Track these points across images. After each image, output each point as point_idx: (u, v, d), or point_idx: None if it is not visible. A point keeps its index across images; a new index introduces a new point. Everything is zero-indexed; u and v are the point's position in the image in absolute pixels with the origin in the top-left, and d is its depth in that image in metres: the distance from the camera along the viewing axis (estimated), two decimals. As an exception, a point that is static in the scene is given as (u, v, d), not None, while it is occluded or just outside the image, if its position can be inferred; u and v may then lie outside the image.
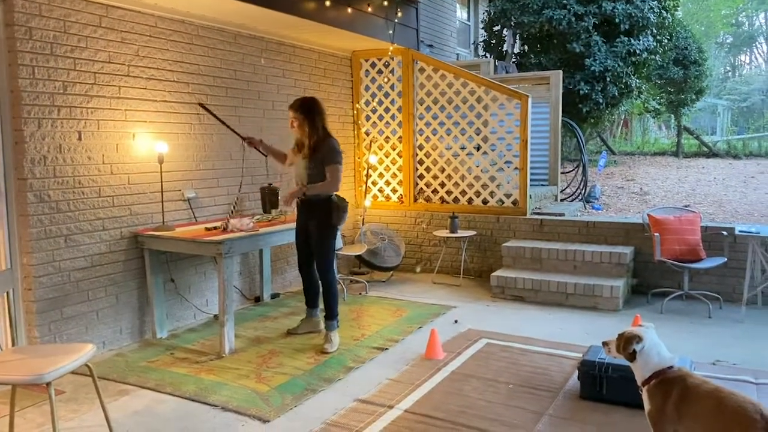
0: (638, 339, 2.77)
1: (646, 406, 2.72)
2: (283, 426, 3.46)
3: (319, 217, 4.65)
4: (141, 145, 4.90)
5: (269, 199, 5.67)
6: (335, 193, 4.68)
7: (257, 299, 6.03)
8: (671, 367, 2.71)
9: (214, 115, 5.12)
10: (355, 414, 3.57)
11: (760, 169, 13.62)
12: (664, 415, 2.61)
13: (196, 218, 5.38)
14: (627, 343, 2.79)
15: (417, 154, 7.30)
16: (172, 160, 5.14)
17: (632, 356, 2.78)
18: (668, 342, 4.80)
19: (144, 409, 3.70)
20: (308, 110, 4.60)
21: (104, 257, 4.66)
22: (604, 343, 2.97)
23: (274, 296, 6.13)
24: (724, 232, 5.75)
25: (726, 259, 5.56)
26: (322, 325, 4.86)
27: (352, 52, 7.35)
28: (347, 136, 7.40)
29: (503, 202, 6.95)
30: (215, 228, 4.84)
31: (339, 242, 6.41)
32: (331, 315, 4.72)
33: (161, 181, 4.98)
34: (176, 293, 5.25)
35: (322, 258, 4.72)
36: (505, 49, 11.95)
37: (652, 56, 11.22)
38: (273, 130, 6.21)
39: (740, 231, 5.36)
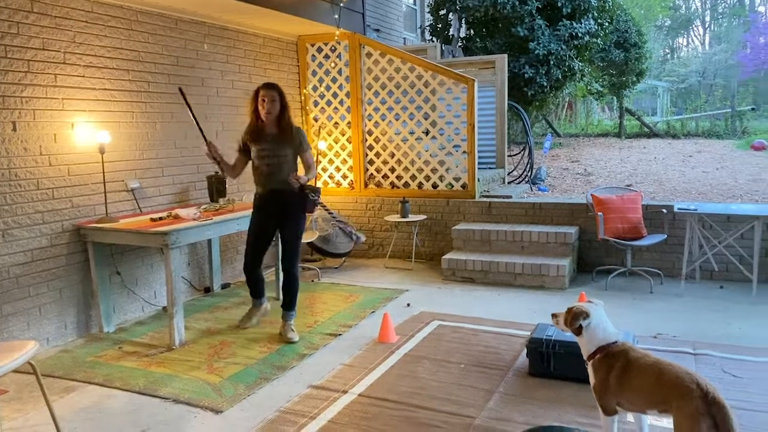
0: (585, 315, 2.85)
1: (591, 379, 2.82)
2: (237, 416, 3.44)
3: (295, 208, 4.52)
4: (81, 134, 4.74)
5: (216, 187, 5.59)
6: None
7: (207, 290, 5.95)
8: (615, 342, 2.81)
9: (188, 106, 4.69)
10: (309, 400, 3.57)
11: (698, 148, 14.14)
12: (608, 388, 2.71)
13: (141, 209, 5.26)
14: (574, 318, 2.87)
15: (366, 140, 7.29)
16: (114, 149, 5.00)
17: (579, 331, 2.87)
18: (612, 317, 4.97)
19: (92, 405, 3.62)
20: (282, 91, 4.47)
21: (45, 251, 4.51)
22: (554, 315, 3.04)
23: (224, 286, 6.06)
24: (664, 210, 5.96)
25: (666, 236, 5.77)
26: (268, 306, 4.98)
27: (298, 37, 7.26)
28: (295, 122, 7.32)
29: (452, 186, 7.03)
30: (161, 218, 4.74)
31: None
32: (293, 306, 4.67)
33: (103, 172, 4.83)
34: (123, 286, 5.13)
35: (296, 251, 4.60)
36: (451, 33, 12.01)
37: (594, 39, 11.46)
38: (218, 116, 6.10)
39: (679, 208, 5.56)
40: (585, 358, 2.86)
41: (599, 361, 2.78)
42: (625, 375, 2.66)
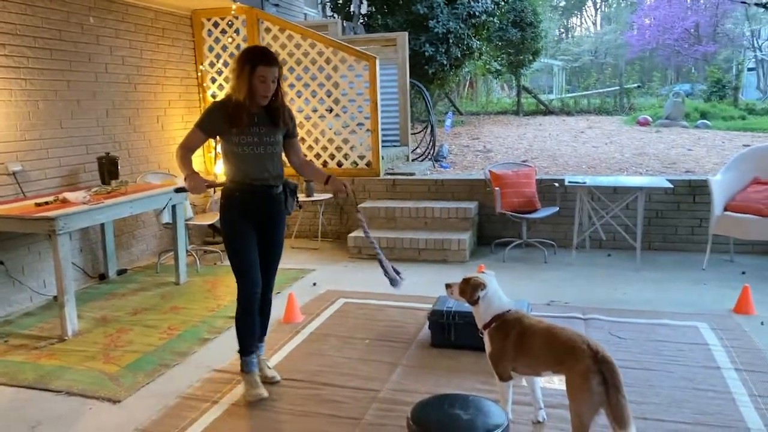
0: (483, 286, 2.95)
1: (487, 347, 2.93)
2: (136, 404, 3.33)
3: (281, 210, 3.48)
4: (-50, 114, 4.36)
5: (108, 169, 5.33)
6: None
7: (102, 276, 5.68)
8: (509, 310, 2.93)
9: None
10: (211, 384, 3.51)
11: (589, 124, 14.89)
12: (504, 354, 2.83)
13: (25, 194, 4.92)
14: (473, 290, 2.96)
15: (267, 118, 7.15)
16: (-10, 130, 4.64)
17: (476, 301, 2.97)
18: (509, 287, 5.17)
19: (-25, 404, 3.39)
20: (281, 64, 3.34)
21: None
22: (447, 286, 3.12)
23: (120, 272, 5.80)
24: (556, 184, 6.25)
25: (558, 209, 6.06)
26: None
27: (192, 11, 6.97)
28: (192, 100, 7.07)
29: (357, 164, 7.04)
30: (47, 203, 4.47)
31: (189, 212, 6.20)
32: (265, 335, 3.68)
33: (-21, 154, 4.48)
34: (7, 276, 4.80)
35: (277, 266, 3.61)
36: (352, 9, 11.95)
37: (491, 18, 11.75)
38: (107, 94, 5.78)
39: (570, 182, 5.84)
40: (480, 327, 2.97)
41: (495, 329, 2.89)
42: (521, 341, 2.79)
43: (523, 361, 2.81)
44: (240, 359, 3.41)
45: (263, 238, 3.43)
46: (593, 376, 2.44)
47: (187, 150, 3.27)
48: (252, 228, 3.37)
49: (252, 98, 3.20)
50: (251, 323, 3.39)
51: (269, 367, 3.59)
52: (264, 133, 3.29)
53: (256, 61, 3.16)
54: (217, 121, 3.23)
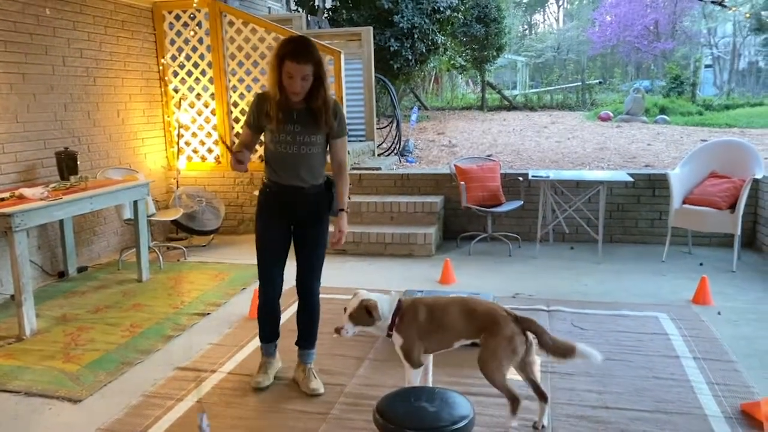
0: (375, 304, 2.85)
1: (398, 342, 2.87)
2: (97, 404, 3.27)
3: (321, 209, 3.30)
4: None
5: (67, 164, 5.21)
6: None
7: (61, 274, 5.54)
8: (399, 300, 2.92)
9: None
10: (175, 382, 3.46)
11: (552, 120, 15.08)
12: (415, 340, 2.82)
13: (-21, 190, 4.78)
14: (373, 310, 2.84)
15: (232, 112, 7.06)
16: (-59, 124, 4.48)
17: (374, 320, 2.86)
18: (474, 280, 5.23)
19: (-72, 406, 3.28)
20: (319, 58, 3.02)
21: None
22: (338, 329, 2.90)
23: (81, 270, 5.67)
24: (520, 178, 6.32)
25: (522, 202, 6.13)
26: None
27: (153, 3, 6.84)
28: (153, 94, 6.94)
29: (322, 159, 7.00)
30: (3, 199, 4.33)
31: (152, 208, 6.09)
32: (315, 341, 3.50)
33: (-71, 149, 4.33)
34: (-39, 275, 4.66)
35: (322, 262, 3.40)
36: (317, 3, 11.88)
37: (455, 13, 11.82)
38: (65, 88, 5.64)
39: (533, 176, 5.92)
40: (387, 333, 2.90)
41: (401, 322, 2.86)
42: (433, 318, 2.84)
43: (436, 338, 2.85)
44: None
45: (302, 235, 3.34)
46: (518, 337, 2.68)
47: (243, 148, 3.22)
48: (282, 227, 3.31)
49: (283, 93, 3.03)
50: (264, 316, 3.45)
51: (315, 377, 3.39)
52: (299, 132, 3.10)
53: (284, 55, 2.95)
54: (258, 115, 3.14)
